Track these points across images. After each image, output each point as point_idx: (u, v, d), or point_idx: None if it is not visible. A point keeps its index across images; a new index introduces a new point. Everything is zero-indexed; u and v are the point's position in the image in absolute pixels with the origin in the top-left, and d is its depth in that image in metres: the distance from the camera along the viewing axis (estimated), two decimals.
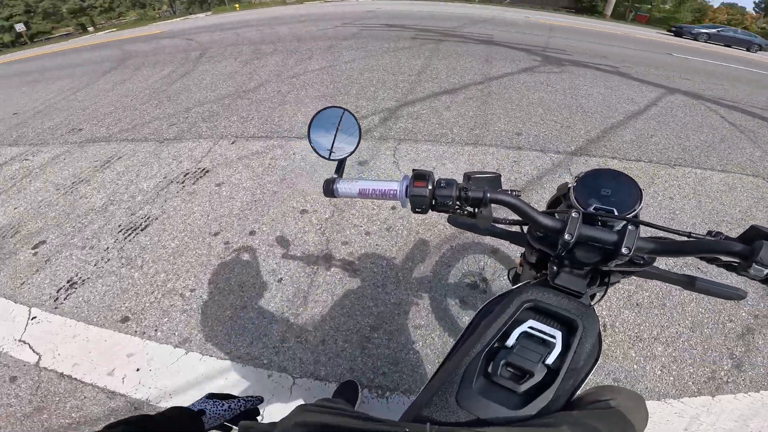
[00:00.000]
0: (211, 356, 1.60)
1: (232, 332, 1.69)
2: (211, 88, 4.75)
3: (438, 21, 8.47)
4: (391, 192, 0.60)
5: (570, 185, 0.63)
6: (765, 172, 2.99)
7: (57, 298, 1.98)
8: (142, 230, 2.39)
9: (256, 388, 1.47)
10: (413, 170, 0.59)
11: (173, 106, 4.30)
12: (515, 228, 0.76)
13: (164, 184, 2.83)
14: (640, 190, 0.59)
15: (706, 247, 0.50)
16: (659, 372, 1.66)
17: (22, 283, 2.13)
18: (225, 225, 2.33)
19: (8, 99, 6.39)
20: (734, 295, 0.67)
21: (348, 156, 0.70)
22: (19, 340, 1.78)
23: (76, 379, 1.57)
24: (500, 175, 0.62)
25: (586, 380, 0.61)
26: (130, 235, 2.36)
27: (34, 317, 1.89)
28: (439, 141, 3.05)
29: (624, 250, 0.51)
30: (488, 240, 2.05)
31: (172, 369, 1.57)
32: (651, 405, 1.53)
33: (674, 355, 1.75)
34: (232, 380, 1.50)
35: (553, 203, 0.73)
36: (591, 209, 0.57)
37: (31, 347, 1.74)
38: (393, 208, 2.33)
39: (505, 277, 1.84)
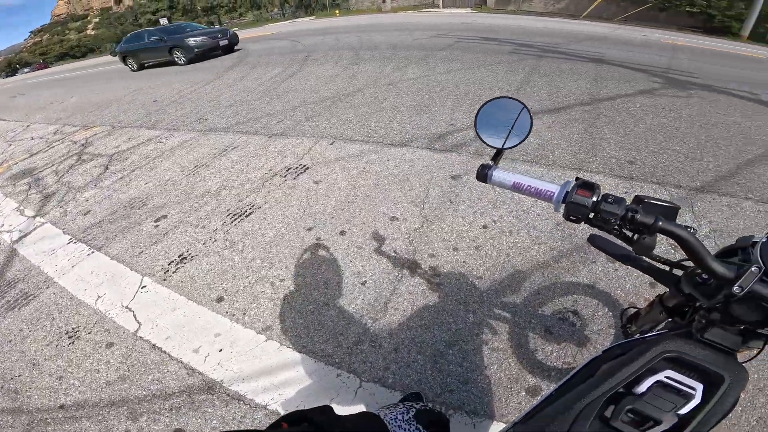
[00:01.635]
0: (289, 347, 1.69)
1: (311, 327, 1.77)
2: (314, 89, 5.14)
3: (536, 36, 8.09)
4: (548, 193, 0.60)
5: (758, 240, 0.57)
6: None
7: (167, 270, 2.28)
8: (246, 216, 2.66)
9: (323, 384, 1.52)
10: (577, 178, 0.58)
11: (281, 104, 4.73)
12: (665, 267, 0.70)
13: (269, 176, 3.12)
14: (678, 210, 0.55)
15: None
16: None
17: (140, 252, 2.49)
18: (319, 221, 2.49)
19: (153, 88, 7.64)
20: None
21: (511, 147, 0.70)
22: (126, 307, 2.05)
23: (165, 351, 1.75)
24: (679, 208, 0.57)
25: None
26: (236, 219, 2.64)
27: (144, 286, 2.19)
28: (537, 162, 2.90)
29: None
30: (585, 274, 1.88)
31: (251, 354, 1.68)
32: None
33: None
34: (302, 373, 1.57)
35: (724, 254, 0.66)
36: None
37: (134, 315, 1.98)
38: (485, 227, 2.27)
39: (602, 314, 1.68)
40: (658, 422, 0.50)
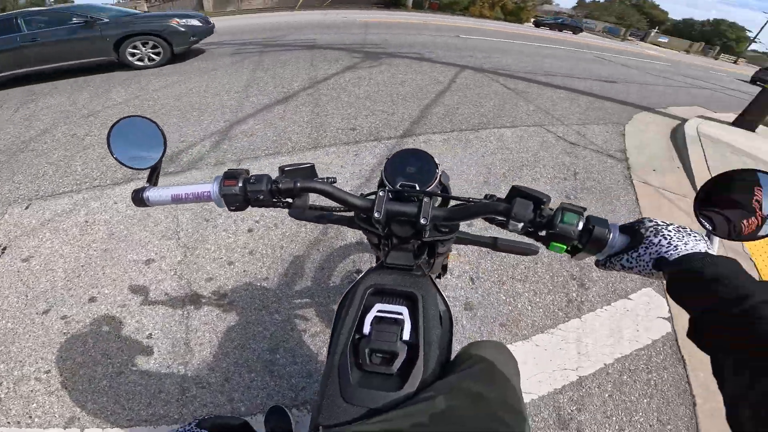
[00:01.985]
0: (113, 427, 1.36)
1: (121, 399, 1.44)
2: None
3: (258, 33, 8.25)
4: (205, 194, 0.60)
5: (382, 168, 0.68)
6: (540, 121, 3.92)
7: None
8: None
9: None
10: (226, 171, 0.60)
11: None
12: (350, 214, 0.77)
13: None
14: (436, 164, 0.65)
15: (481, 210, 0.56)
16: (529, 306, 2.02)
17: None
18: (53, 300, 1.88)
19: None
20: (529, 251, 0.76)
21: (156, 164, 0.68)
22: None
23: None
24: (313, 165, 0.63)
25: (452, 341, 0.65)
26: None
27: None
28: (280, 152, 3.01)
29: (422, 220, 0.56)
30: (351, 233, 2.14)
31: None
32: (545, 338, 1.83)
33: (533, 288, 2.15)
34: None
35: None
36: (398, 186, 0.61)
37: None
38: (250, 230, 2.23)
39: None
40: (395, 354, 0.54)
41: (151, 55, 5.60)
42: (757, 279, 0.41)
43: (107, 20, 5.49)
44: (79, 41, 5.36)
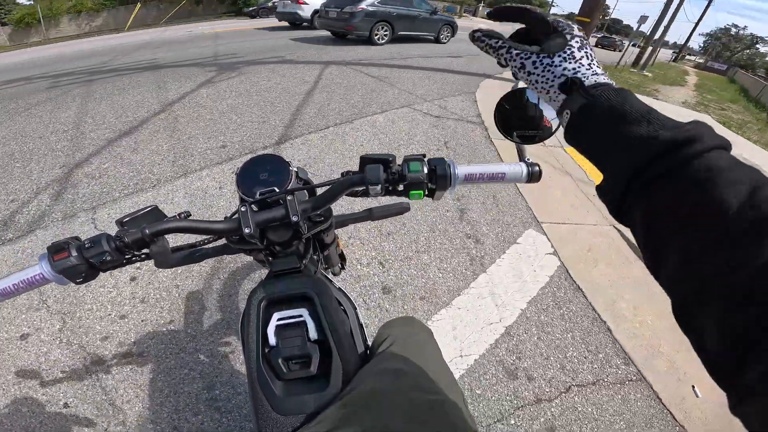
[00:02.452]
0: None
1: None
2: None
3: (78, 61, 6.95)
4: (38, 277, 0.52)
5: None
6: (406, 102, 4.20)
7: None
8: None
9: None
10: (49, 245, 0.52)
11: None
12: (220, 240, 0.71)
13: None
14: (287, 162, 0.64)
15: (341, 187, 0.57)
16: (440, 273, 2.13)
17: None
18: None
19: None
20: (401, 209, 0.81)
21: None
22: None
23: None
24: (156, 206, 0.57)
25: (363, 327, 0.67)
26: None
27: None
28: (143, 189, 2.62)
29: (294, 218, 0.55)
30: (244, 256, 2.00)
31: None
32: (464, 300, 1.95)
33: (437, 255, 2.27)
34: None
35: None
36: (258, 196, 0.59)
37: None
38: (133, 278, 1.93)
39: None
40: (308, 355, 0.54)
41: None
42: None
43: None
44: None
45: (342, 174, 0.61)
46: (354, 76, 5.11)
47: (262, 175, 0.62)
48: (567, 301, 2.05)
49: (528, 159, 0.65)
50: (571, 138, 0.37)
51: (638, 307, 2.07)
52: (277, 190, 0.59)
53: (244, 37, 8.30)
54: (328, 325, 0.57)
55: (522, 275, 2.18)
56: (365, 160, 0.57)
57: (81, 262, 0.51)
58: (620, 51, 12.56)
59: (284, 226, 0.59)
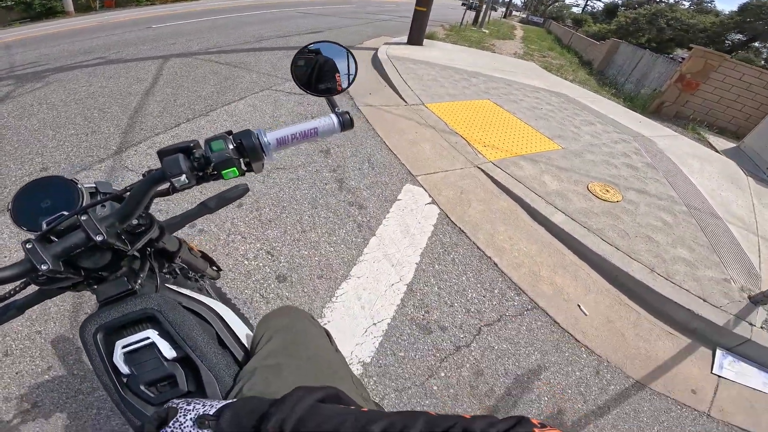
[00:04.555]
0: None
1: None
2: None
3: None
4: None
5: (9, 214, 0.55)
6: (267, 85, 3.94)
7: None
8: None
9: None
10: None
11: None
12: (21, 295, 0.61)
13: None
14: (72, 181, 0.56)
15: (142, 187, 0.51)
16: (331, 248, 2.07)
17: None
18: None
19: None
20: (240, 192, 0.77)
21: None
22: None
23: None
24: None
25: (231, 329, 0.63)
26: None
27: None
28: None
29: (98, 239, 0.49)
30: None
31: None
32: (361, 268, 1.94)
33: (325, 230, 2.20)
34: None
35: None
36: (44, 226, 0.51)
37: None
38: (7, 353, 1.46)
39: None
40: (171, 376, 0.51)
41: None
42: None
43: None
44: None
45: (143, 174, 0.55)
46: (202, 66, 4.59)
47: (43, 203, 0.55)
48: (454, 245, 2.26)
49: (337, 109, 0.65)
50: None
51: (512, 237, 2.40)
52: (66, 213, 0.52)
53: (48, 42, 6.68)
54: (183, 340, 0.54)
55: (409, 229, 2.32)
56: (162, 153, 0.52)
57: None
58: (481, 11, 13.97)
59: (95, 249, 0.52)
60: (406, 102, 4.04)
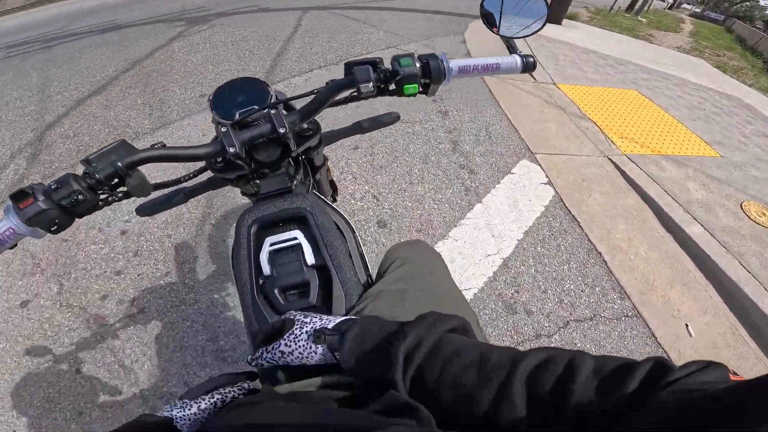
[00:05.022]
0: None
1: None
2: None
3: (32, 30, 6.39)
4: (6, 236, 0.45)
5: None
6: (392, 43, 3.98)
7: None
8: None
9: None
10: (11, 194, 0.46)
11: None
12: (203, 177, 0.69)
13: None
14: (265, 83, 0.61)
15: (329, 93, 0.55)
16: (435, 205, 2.08)
17: None
18: None
19: None
20: (392, 119, 0.80)
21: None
22: None
23: None
24: (124, 140, 0.51)
25: (362, 250, 0.64)
26: None
27: None
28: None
29: (281, 130, 0.53)
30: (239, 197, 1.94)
31: None
32: (460, 231, 1.92)
33: (431, 186, 2.19)
34: None
35: None
36: (237, 117, 0.56)
37: None
38: (123, 232, 1.89)
39: None
40: (306, 283, 0.52)
41: None
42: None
43: None
44: None
45: (327, 83, 0.58)
46: (335, 19, 4.81)
47: (238, 97, 0.59)
48: (563, 232, 2.05)
49: (520, 52, 0.67)
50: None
51: (632, 239, 2.08)
52: (257, 107, 0.56)
53: None
54: (325, 247, 0.55)
55: (517, 205, 2.16)
56: (351, 65, 0.56)
57: (50, 206, 0.46)
58: None
59: (272, 142, 0.57)
60: (534, 79, 3.70)
